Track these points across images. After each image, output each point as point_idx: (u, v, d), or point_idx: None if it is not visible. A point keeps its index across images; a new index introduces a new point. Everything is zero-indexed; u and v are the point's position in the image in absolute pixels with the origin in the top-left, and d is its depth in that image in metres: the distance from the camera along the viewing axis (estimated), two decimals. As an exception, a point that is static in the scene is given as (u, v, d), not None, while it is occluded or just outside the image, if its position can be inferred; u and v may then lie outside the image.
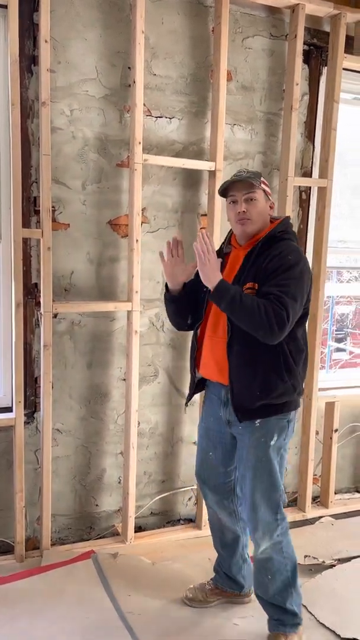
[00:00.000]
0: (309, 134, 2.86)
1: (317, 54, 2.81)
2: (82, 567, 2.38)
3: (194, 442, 2.81)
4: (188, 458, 2.82)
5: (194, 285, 2.03)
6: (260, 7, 2.63)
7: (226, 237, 2.10)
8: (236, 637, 2.04)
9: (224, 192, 2.00)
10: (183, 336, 2.74)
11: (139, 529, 2.73)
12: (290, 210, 2.71)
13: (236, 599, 2.23)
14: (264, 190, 1.96)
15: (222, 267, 1.97)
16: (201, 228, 2.68)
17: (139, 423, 2.63)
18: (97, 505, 2.68)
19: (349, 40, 2.78)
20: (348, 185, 3.15)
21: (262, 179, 1.96)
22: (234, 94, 2.66)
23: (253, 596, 2.17)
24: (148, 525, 2.79)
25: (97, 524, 2.70)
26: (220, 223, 2.58)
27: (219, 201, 2.57)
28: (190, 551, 2.57)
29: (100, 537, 2.67)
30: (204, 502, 2.71)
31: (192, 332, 2.11)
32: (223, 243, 2.11)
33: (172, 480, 2.83)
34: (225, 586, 2.22)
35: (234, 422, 1.97)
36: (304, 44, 2.70)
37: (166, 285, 2.11)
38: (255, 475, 1.93)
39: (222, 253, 2.05)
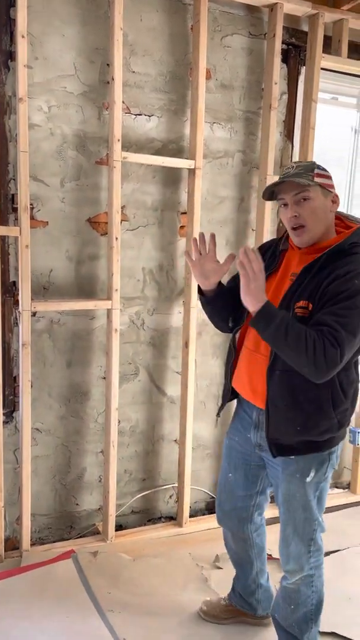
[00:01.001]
0: (288, 133, 2.88)
1: (295, 53, 2.83)
2: (62, 566, 2.37)
3: (175, 440, 2.82)
4: (168, 456, 2.83)
5: (233, 281, 1.78)
6: (239, 6, 2.64)
7: (284, 233, 1.79)
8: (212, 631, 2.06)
9: (272, 195, 1.68)
10: (164, 334, 2.74)
11: (119, 527, 2.73)
12: (270, 208, 2.72)
13: (251, 620, 2.09)
14: (321, 184, 1.61)
15: (277, 268, 1.74)
16: (181, 227, 2.68)
17: (119, 421, 2.63)
18: (77, 504, 2.67)
19: (327, 40, 2.80)
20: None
21: (317, 170, 1.62)
22: (213, 92, 2.66)
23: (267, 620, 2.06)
24: (129, 524, 2.78)
25: (77, 523, 2.69)
26: (199, 221, 2.59)
27: (199, 199, 2.57)
28: (172, 548, 2.58)
29: (81, 537, 2.66)
30: (184, 499, 2.74)
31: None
32: (280, 239, 1.82)
33: (153, 478, 2.83)
34: (238, 605, 2.09)
35: (265, 448, 1.74)
36: (283, 43, 2.71)
37: (198, 287, 1.85)
38: (288, 509, 1.74)
39: (278, 249, 1.78)
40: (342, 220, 1.74)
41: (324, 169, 1.66)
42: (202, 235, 1.78)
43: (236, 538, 2.00)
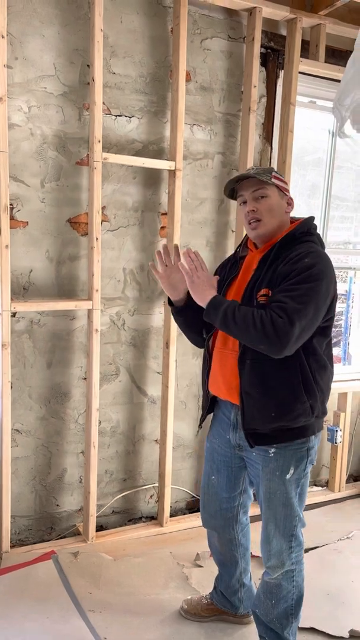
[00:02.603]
0: (267, 136, 2.91)
1: (274, 57, 2.86)
2: (43, 567, 2.36)
3: (156, 440, 2.83)
4: (149, 456, 2.84)
5: None
6: (218, 9, 2.66)
7: (242, 240, 1.93)
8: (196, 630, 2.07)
9: (232, 192, 1.82)
10: (144, 335, 2.75)
11: (100, 527, 2.73)
12: (249, 210, 2.75)
13: (232, 618, 2.11)
14: (278, 186, 1.75)
15: (237, 272, 1.83)
16: (161, 228, 2.70)
17: (100, 422, 2.63)
18: (57, 505, 2.66)
19: (305, 44, 2.84)
20: (306, 186, 3.22)
21: (274, 173, 1.76)
22: (193, 94, 2.68)
23: (248, 619, 2.10)
24: (110, 524, 2.79)
25: (58, 524, 2.68)
26: (180, 221, 2.61)
27: (179, 200, 2.59)
28: (152, 548, 2.59)
29: (61, 537, 2.65)
30: (165, 499, 2.75)
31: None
32: (239, 246, 1.93)
33: (133, 478, 2.83)
34: (220, 604, 2.12)
35: (245, 447, 1.80)
36: (262, 47, 2.75)
37: (169, 299, 1.92)
38: (269, 507, 1.78)
39: (237, 257, 1.89)
40: (293, 222, 1.85)
41: (281, 175, 1.80)
42: (165, 247, 1.90)
43: (222, 539, 2.02)
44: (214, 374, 1.84)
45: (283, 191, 1.77)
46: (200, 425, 2.01)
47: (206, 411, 1.94)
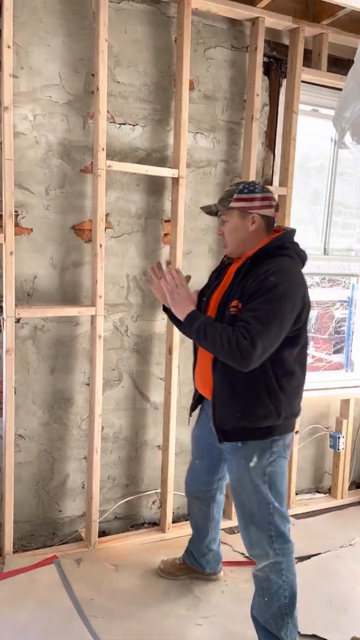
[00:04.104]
0: (270, 143, 2.93)
1: (276, 66, 2.89)
2: (45, 572, 2.37)
3: (158, 446, 2.84)
4: (152, 462, 2.85)
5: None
6: (221, 19, 2.69)
7: None
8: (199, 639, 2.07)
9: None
10: (147, 341, 2.76)
11: (102, 533, 2.73)
12: (252, 217, 2.77)
13: (200, 576, 2.39)
14: (239, 208, 1.89)
15: (220, 280, 1.99)
16: (164, 235, 2.72)
17: (102, 427, 2.64)
18: (60, 510, 2.67)
19: (308, 53, 2.87)
20: (308, 193, 3.24)
21: (236, 195, 1.90)
22: (197, 103, 2.71)
23: (220, 575, 2.42)
24: (112, 530, 2.79)
25: (60, 530, 2.68)
26: (183, 229, 2.63)
27: (182, 207, 2.61)
28: (155, 554, 2.59)
29: (64, 543, 2.66)
30: (168, 505, 2.75)
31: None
32: (225, 255, 2.08)
33: (136, 484, 2.84)
34: (190, 563, 2.39)
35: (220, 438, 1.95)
36: (264, 56, 2.77)
37: (163, 306, 2.14)
38: (240, 493, 1.92)
39: (223, 265, 2.06)
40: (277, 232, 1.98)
41: (248, 192, 1.90)
42: (158, 263, 2.10)
43: (199, 511, 2.30)
44: (197, 371, 2.05)
45: (245, 211, 1.89)
46: (190, 414, 2.23)
47: (195, 401, 2.15)
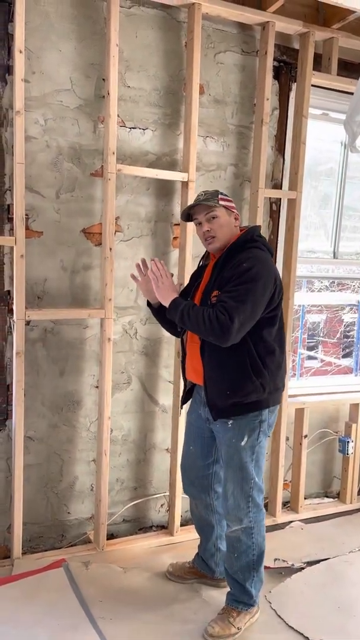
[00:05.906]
0: (279, 147, 2.94)
1: (286, 70, 2.90)
2: (54, 575, 2.37)
3: (167, 449, 2.84)
4: (161, 464, 2.85)
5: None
6: (231, 24, 2.70)
7: (205, 251, 2.25)
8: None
9: (188, 217, 2.17)
10: (156, 344, 2.77)
11: (111, 536, 2.74)
12: (261, 220, 2.78)
13: (209, 582, 2.41)
14: (225, 206, 2.10)
15: (201, 279, 2.18)
16: (174, 238, 2.72)
17: (111, 430, 2.65)
18: (69, 512, 2.68)
19: (318, 57, 2.87)
20: (318, 197, 3.24)
21: (220, 195, 2.10)
22: (207, 107, 2.72)
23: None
24: (120, 532, 2.79)
25: (69, 532, 2.69)
26: (192, 232, 2.63)
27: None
28: (163, 557, 2.59)
29: (72, 545, 2.66)
30: (176, 508, 2.75)
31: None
32: (202, 258, 2.28)
33: (144, 487, 2.84)
34: (199, 567, 2.42)
35: (211, 420, 2.14)
36: (274, 60, 2.78)
37: (147, 301, 2.31)
38: (228, 468, 2.11)
39: (200, 266, 2.25)
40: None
41: (225, 195, 2.14)
42: (143, 260, 2.29)
43: (200, 505, 2.34)
44: (187, 363, 2.20)
45: (230, 209, 2.12)
46: (181, 406, 2.44)
47: (185, 393, 2.29)
